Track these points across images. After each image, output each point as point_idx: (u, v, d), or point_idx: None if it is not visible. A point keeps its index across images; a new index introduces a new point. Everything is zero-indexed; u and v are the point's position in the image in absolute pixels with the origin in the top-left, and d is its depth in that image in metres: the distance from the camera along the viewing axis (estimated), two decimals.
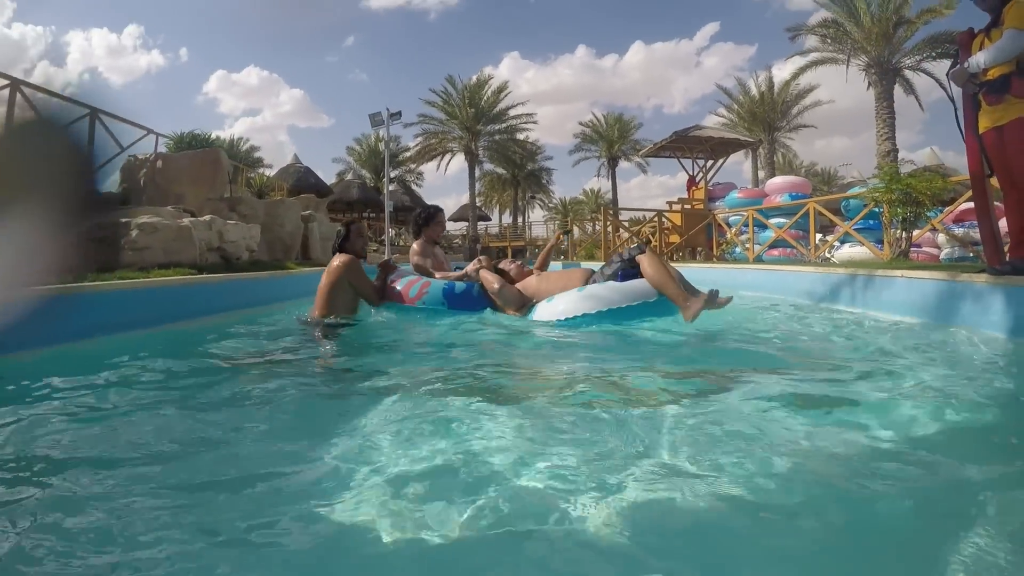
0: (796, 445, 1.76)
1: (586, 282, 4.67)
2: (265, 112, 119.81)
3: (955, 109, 4.58)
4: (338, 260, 4.51)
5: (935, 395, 2.35)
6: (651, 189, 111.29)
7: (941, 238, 9.70)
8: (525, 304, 4.77)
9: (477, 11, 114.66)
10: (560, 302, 4.45)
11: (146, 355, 3.24)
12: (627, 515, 1.32)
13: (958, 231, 9.20)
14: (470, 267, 5.12)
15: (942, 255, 9.74)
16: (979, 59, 4.13)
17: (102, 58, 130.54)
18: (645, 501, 1.40)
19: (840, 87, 76.03)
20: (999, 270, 4.15)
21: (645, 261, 4.31)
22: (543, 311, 4.52)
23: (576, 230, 22.42)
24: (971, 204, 8.97)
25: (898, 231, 8.29)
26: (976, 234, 8.93)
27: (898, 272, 4.89)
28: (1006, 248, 4.41)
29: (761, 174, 31.19)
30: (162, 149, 13.11)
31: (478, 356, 3.33)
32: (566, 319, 4.29)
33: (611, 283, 4.42)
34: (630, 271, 4.43)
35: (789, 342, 3.85)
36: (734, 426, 1.90)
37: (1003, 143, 4.14)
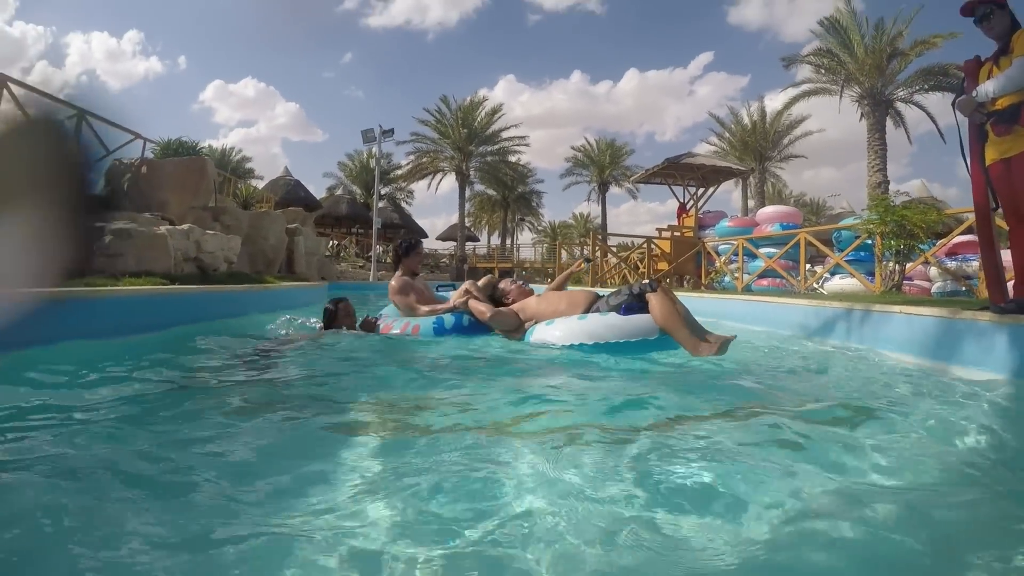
0: (788, 490, 1.62)
1: (590, 306, 4.53)
2: (260, 124, 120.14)
3: (960, 139, 4.43)
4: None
5: (934, 441, 2.21)
6: (640, 215, 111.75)
7: (933, 271, 9.58)
8: (521, 327, 4.65)
9: (475, 34, 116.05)
10: (558, 328, 4.33)
11: (104, 364, 3.10)
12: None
13: (951, 265, 9.08)
14: (456, 299, 4.92)
15: (934, 288, 9.61)
16: (988, 88, 3.98)
17: (101, 61, 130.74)
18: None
19: (829, 118, 77.03)
20: (1003, 308, 3.98)
21: (655, 300, 4.17)
22: (540, 334, 4.40)
23: (564, 254, 22.30)
24: (964, 237, 8.97)
25: (891, 263, 8.15)
26: (969, 268, 8.84)
27: (896, 308, 4.71)
28: (1009, 285, 4.25)
29: (751, 203, 31.27)
30: (149, 155, 12.89)
31: (455, 380, 3.15)
32: (562, 346, 4.17)
33: (613, 316, 4.25)
34: (635, 305, 4.27)
35: (785, 378, 3.66)
36: (724, 467, 1.77)
37: (1011, 176, 3.98)
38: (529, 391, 2.92)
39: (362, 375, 3.34)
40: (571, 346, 4.14)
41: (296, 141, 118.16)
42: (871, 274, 9.67)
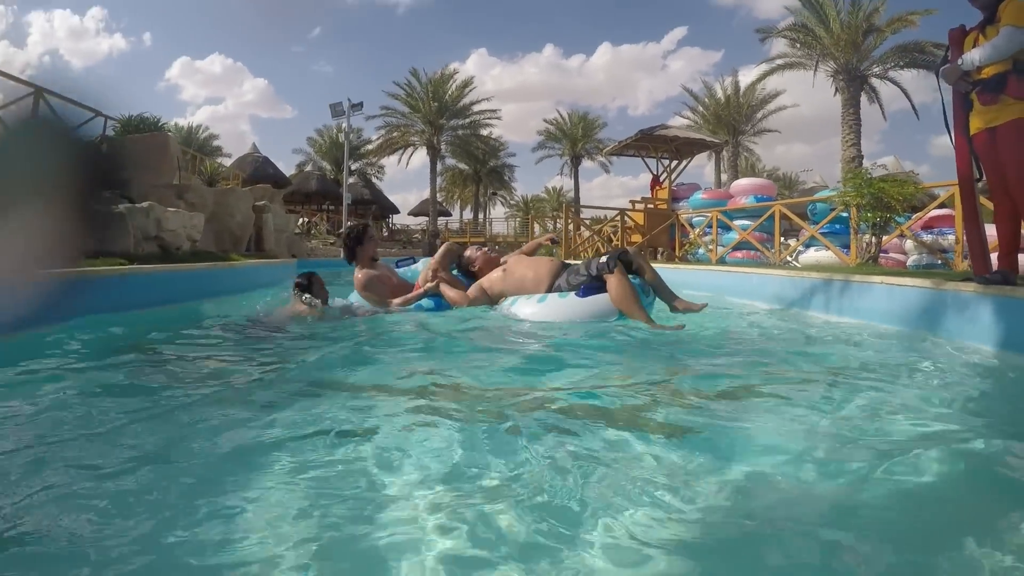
0: (775, 471, 1.56)
1: (555, 276, 4.57)
2: (227, 101, 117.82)
3: (944, 109, 4.34)
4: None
5: (920, 412, 2.15)
6: (613, 189, 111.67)
7: (909, 244, 9.58)
8: (494, 303, 4.72)
9: (446, 6, 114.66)
10: (520, 307, 4.41)
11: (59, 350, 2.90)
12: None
13: (927, 238, 9.08)
14: (428, 285, 4.79)
15: (909, 261, 9.62)
16: (973, 56, 3.89)
17: (63, 40, 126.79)
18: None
19: (802, 94, 77.35)
20: (988, 279, 3.92)
21: (612, 282, 4.15)
22: (505, 311, 4.50)
23: (537, 227, 22.14)
24: (940, 211, 8.98)
25: (868, 236, 8.12)
26: (944, 241, 8.85)
27: (877, 278, 4.64)
28: (994, 257, 4.19)
29: (724, 177, 31.37)
30: (111, 134, 12.47)
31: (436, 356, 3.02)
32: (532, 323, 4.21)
33: (572, 298, 4.29)
34: (594, 286, 4.26)
35: (764, 348, 3.56)
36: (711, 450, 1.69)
37: (996, 145, 3.90)
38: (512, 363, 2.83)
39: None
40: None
41: (265, 118, 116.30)
42: (846, 247, 9.66)
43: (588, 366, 2.94)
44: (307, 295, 4.56)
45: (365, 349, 3.42)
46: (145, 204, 6.81)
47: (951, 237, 8.61)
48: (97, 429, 1.83)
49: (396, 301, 4.82)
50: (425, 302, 4.75)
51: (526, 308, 4.35)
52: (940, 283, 4.09)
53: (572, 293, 4.31)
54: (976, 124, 4.02)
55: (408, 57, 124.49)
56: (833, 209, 9.72)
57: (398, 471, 1.53)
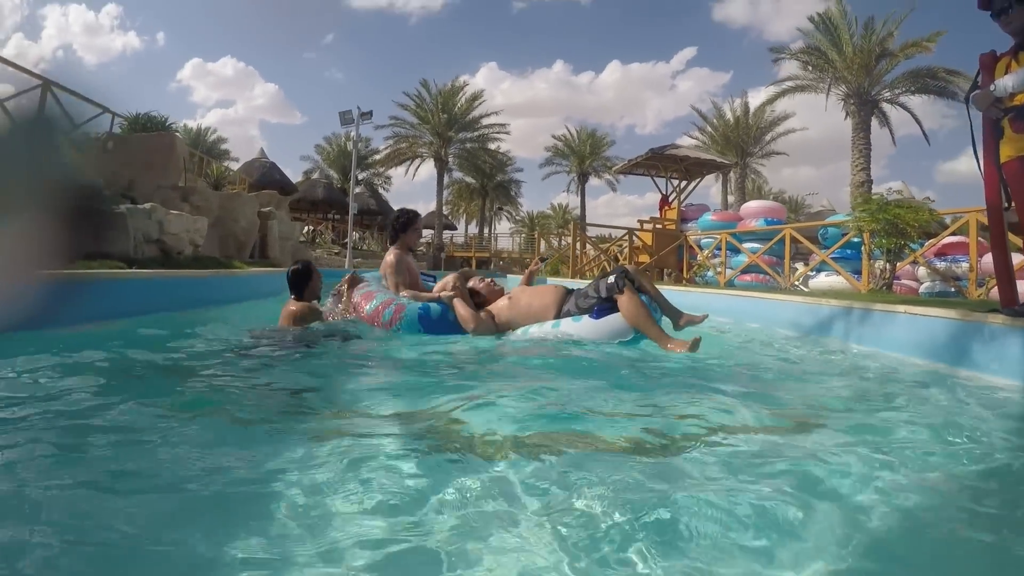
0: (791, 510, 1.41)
1: (560, 303, 4.51)
2: (238, 104, 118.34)
3: (972, 135, 4.20)
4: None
5: (946, 448, 2.05)
6: (618, 208, 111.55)
7: (921, 271, 9.45)
8: (501, 331, 4.58)
9: (459, 19, 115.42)
10: (536, 335, 4.31)
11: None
12: None
13: (940, 265, 8.95)
14: (443, 293, 4.67)
15: (922, 289, 9.49)
16: (1007, 83, 3.75)
17: (78, 35, 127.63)
18: None
19: (810, 118, 77.22)
20: (1017, 311, 3.77)
21: (624, 301, 4.13)
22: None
23: (543, 244, 22.03)
24: (954, 238, 8.84)
25: (881, 261, 7.97)
26: (958, 269, 8.71)
27: (900, 307, 4.48)
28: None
29: (731, 199, 31.20)
30: (118, 132, 12.41)
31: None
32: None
33: (586, 320, 4.24)
34: (606, 307, 4.22)
35: (780, 377, 3.41)
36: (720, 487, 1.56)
37: None
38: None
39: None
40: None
41: (274, 123, 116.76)
42: (857, 272, 9.52)
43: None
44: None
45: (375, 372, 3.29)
46: (147, 205, 6.69)
47: (965, 264, 8.48)
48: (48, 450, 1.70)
49: (408, 292, 4.75)
50: (432, 307, 4.58)
51: (542, 335, 4.29)
52: (967, 314, 3.94)
53: (586, 316, 4.26)
54: (1007, 152, 3.88)
55: (419, 68, 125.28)
56: (845, 234, 9.60)
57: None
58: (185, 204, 9.66)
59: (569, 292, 4.61)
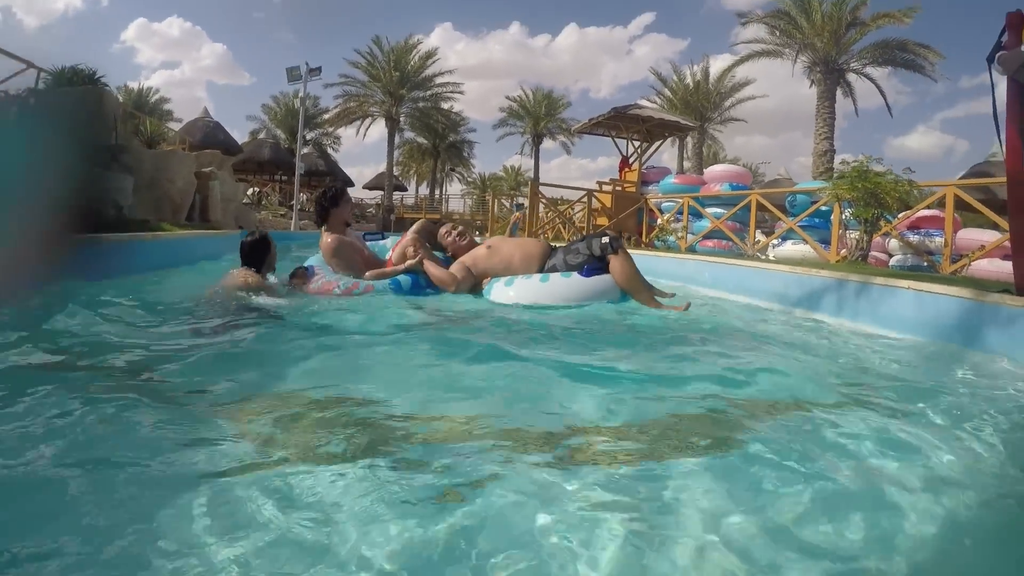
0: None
1: (544, 257, 4.47)
2: (184, 66, 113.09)
3: (993, 101, 3.80)
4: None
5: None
6: (571, 171, 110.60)
7: (892, 243, 9.24)
8: (477, 287, 4.44)
9: None
10: (520, 288, 4.19)
11: None
12: None
13: (913, 238, 8.74)
14: (409, 261, 4.40)
15: (892, 261, 9.31)
16: None
17: None
18: None
19: (766, 87, 77.51)
20: None
21: (617, 263, 4.14)
22: (499, 293, 4.23)
23: (497, 205, 21.48)
24: (928, 212, 8.61)
25: (860, 232, 7.66)
26: (931, 243, 8.51)
27: (904, 282, 4.12)
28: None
29: (687, 164, 31.02)
30: (43, 88, 11.43)
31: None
32: (529, 304, 4.04)
33: (576, 277, 4.17)
34: (596, 266, 4.15)
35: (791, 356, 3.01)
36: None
37: None
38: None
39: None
40: (533, 306, 4.02)
41: (222, 84, 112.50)
42: (825, 242, 9.27)
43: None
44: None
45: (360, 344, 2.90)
46: None
47: (938, 239, 8.29)
48: None
49: (370, 274, 4.37)
50: (403, 279, 4.33)
51: (527, 290, 4.17)
52: (981, 294, 3.59)
53: (575, 273, 4.21)
54: None
55: (372, 29, 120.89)
56: (815, 202, 9.31)
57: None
58: (115, 163, 8.85)
59: (553, 248, 4.54)
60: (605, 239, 4.28)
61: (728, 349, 3.03)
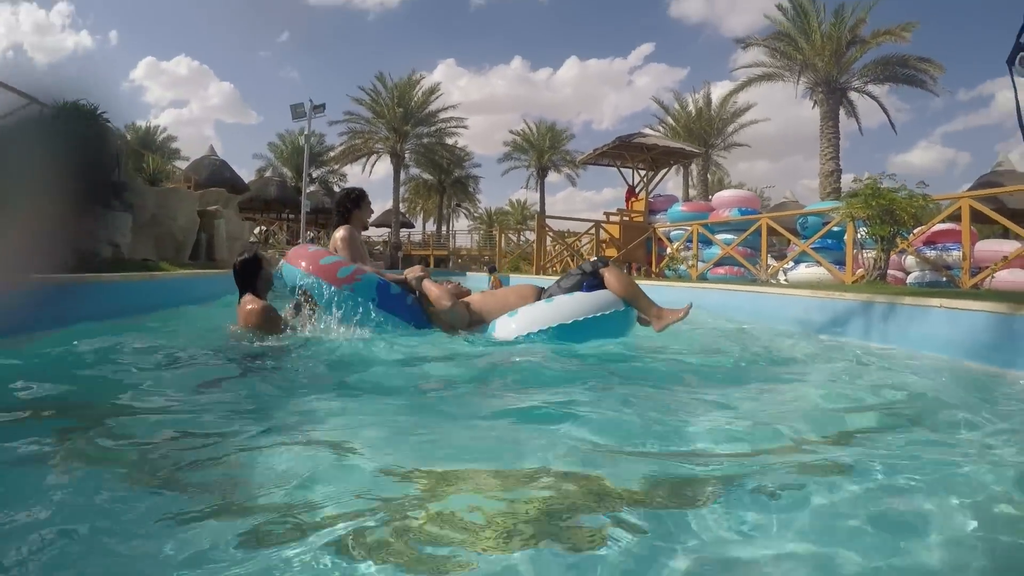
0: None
1: (536, 296, 4.33)
2: (192, 104, 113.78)
3: (1017, 104, 3.64)
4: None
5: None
6: (576, 203, 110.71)
7: (910, 260, 9.02)
8: (472, 325, 4.27)
9: (416, 15, 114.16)
10: (524, 315, 4.06)
11: None
12: None
13: (930, 254, 8.52)
14: (411, 274, 4.31)
15: (910, 279, 9.08)
16: None
17: (28, 34, 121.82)
18: None
19: (767, 111, 77.83)
20: None
21: (610, 274, 4.14)
22: (504, 327, 4.06)
23: (503, 240, 21.35)
24: (944, 226, 8.42)
25: (876, 250, 7.44)
26: (949, 257, 8.29)
27: (935, 301, 3.90)
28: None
29: (692, 192, 30.89)
30: None
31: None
32: (537, 331, 3.89)
33: (579, 294, 4.10)
34: (594, 282, 4.15)
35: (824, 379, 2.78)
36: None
37: None
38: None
39: None
40: (547, 329, 3.87)
41: (230, 123, 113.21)
42: (839, 263, 9.07)
43: None
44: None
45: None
46: None
47: (956, 253, 8.07)
48: None
49: (369, 267, 4.35)
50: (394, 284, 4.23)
51: (532, 315, 4.02)
52: (1018, 308, 3.37)
53: (576, 292, 4.14)
54: None
55: (376, 64, 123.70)
56: (826, 223, 9.12)
57: None
58: (116, 201, 8.76)
59: (543, 290, 4.43)
60: (592, 260, 4.32)
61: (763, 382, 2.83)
